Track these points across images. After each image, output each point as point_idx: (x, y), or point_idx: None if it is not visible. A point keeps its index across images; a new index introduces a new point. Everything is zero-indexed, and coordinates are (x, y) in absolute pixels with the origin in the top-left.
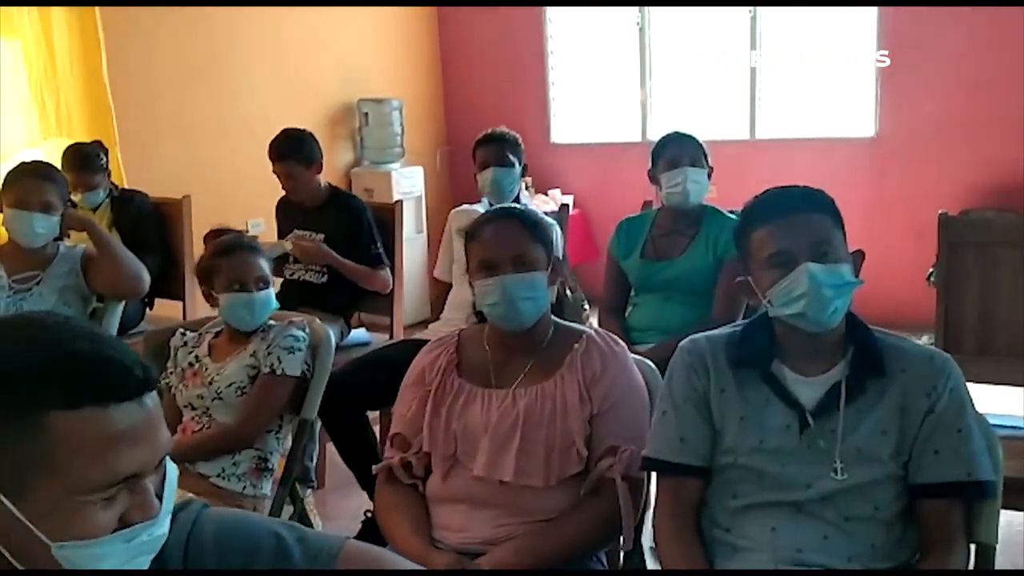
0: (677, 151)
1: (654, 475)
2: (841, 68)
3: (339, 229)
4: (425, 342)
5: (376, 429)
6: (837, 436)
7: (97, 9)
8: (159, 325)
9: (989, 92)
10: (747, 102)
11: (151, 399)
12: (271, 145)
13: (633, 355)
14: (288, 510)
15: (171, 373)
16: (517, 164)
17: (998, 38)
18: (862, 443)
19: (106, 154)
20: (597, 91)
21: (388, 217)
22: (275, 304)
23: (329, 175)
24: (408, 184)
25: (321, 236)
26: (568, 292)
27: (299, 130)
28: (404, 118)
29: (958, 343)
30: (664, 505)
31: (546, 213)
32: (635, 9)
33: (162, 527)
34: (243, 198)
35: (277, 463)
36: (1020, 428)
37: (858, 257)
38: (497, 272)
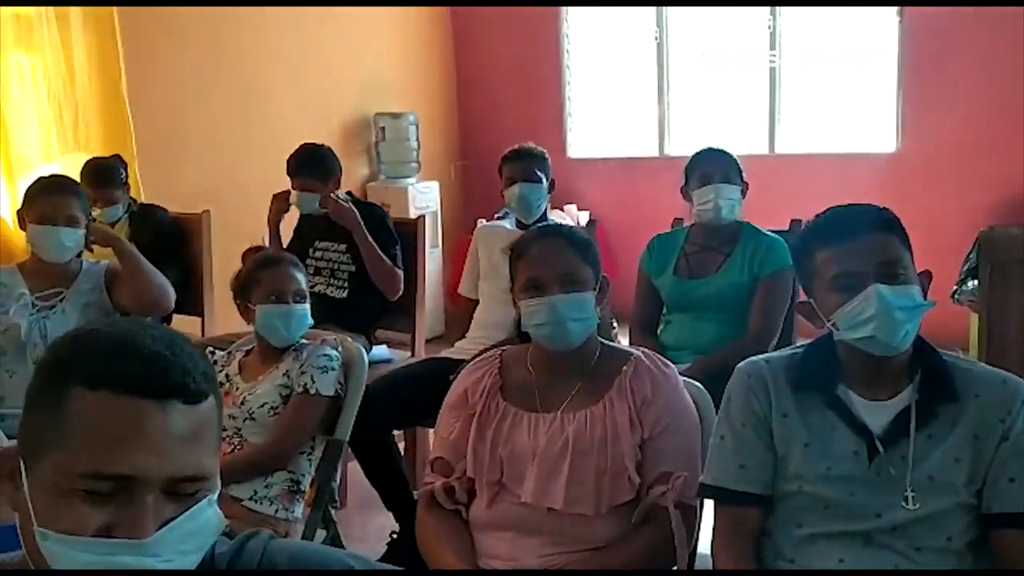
0: (709, 167)
1: (707, 501)
2: (862, 84)
3: None
4: (451, 361)
5: (400, 446)
6: (908, 463)
7: (116, 23)
8: None
9: (1011, 109)
10: (766, 117)
11: (182, 411)
12: (289, 160)
13: (682, 377)
14: (321, 534)
15: None
16: (545, 180)
17: (1021, 55)
18: (935, 471)
19: (126, 168)
20: (614, 105)
21: (410, 232)
22: (310, 321)
23: (345, 189)
24: (424, 199)
25: (343, 246)
26: (597, 308)
27: (317, 145)
28: (420, 132)
29: (1001, 361)
30: (723, 535)
31: None
32: (653, 23)
33: (153, 558)
34: (258, 213)
35: (308, 485)
36: None
37: (925, 278)
38: (545, 292)
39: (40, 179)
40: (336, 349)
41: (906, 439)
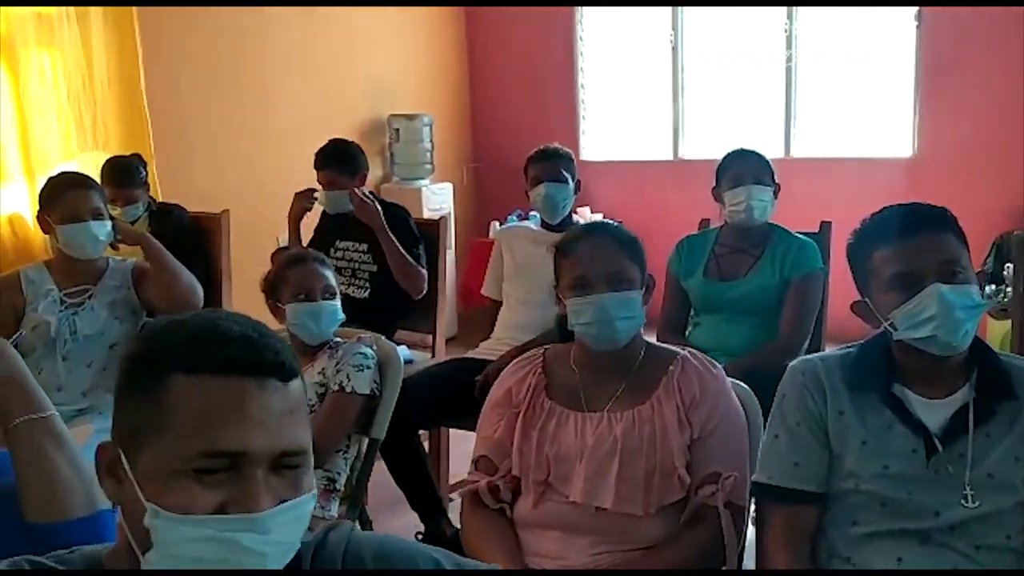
0: (741, 169)
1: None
2: (878, 87)
3: None
4: (476, 361)
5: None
6: (967, 462)
7: (136, 23)
8: None
9: None
10: (782, 120)
11: (278, 388)
12: (317, 154)
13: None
14: None
15: None
16: (570, 180)
17: None
18: (994, 469)
19: (145, 167)
20: (628, 108)
21: (432, 233)
22: (341, 316)
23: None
24: (437, 200)
25: (364, 246)
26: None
27: (344, 140)
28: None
29: None
30: (778, 533)
31: None
32: (668, 25)
33: (264, 536)
34: (274, 213)
35: (343, 484)
36: None
37: (980, 278)
38: (592, 290)
39: (52, 180)
40: (371, 347)
41: (964, 437)
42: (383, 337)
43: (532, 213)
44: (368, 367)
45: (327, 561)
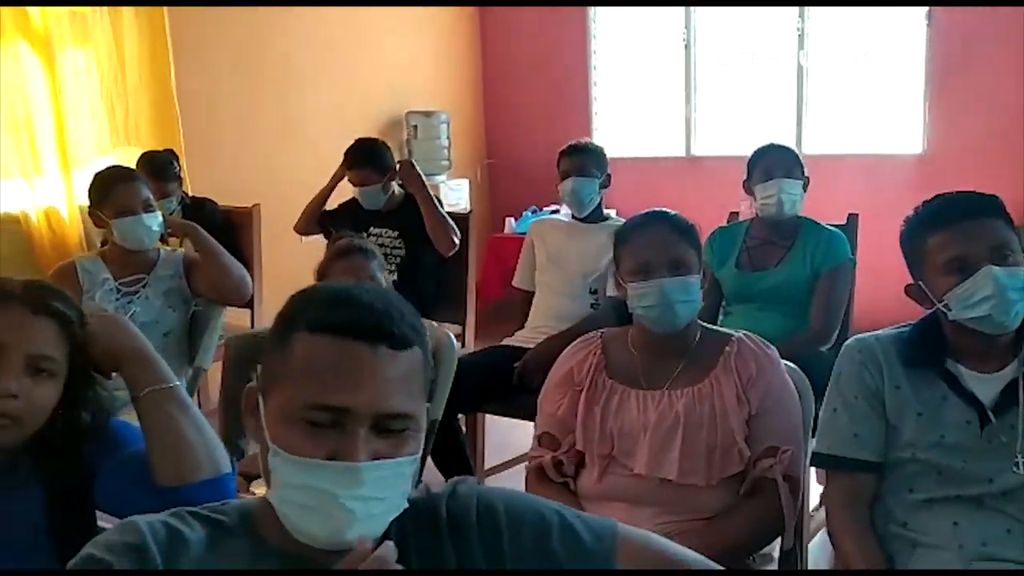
0: (771, 163)
1: (812, 474)
2: (889, 84)
3: (415, 226)
4: (512, 348)
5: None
6: (1018, 431)
7: (167, 20)
8: (229, 332)
9: None
10: (793, 117)
11: (390, 355)
12: (347, 153)
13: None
14: None
15: None
16: (598, 176)
17: None
18: None
19: (178, 162)
20: (640, 106)
21: (460, 225)
22: None
23: None
24: (455, 196)
25: (396, 233)
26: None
27: (372, 139)
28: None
29: None
30: (837, 501)
31: None
32: (681, 24)
33: (359, 488)
34: (299, 207)
35: None
36: None
37: None
38: (653, 275)
39: (100, 176)
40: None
41: (1015, 409)
42: (434, 323)
43: (552, 207)
44: None
45: (462, 510)
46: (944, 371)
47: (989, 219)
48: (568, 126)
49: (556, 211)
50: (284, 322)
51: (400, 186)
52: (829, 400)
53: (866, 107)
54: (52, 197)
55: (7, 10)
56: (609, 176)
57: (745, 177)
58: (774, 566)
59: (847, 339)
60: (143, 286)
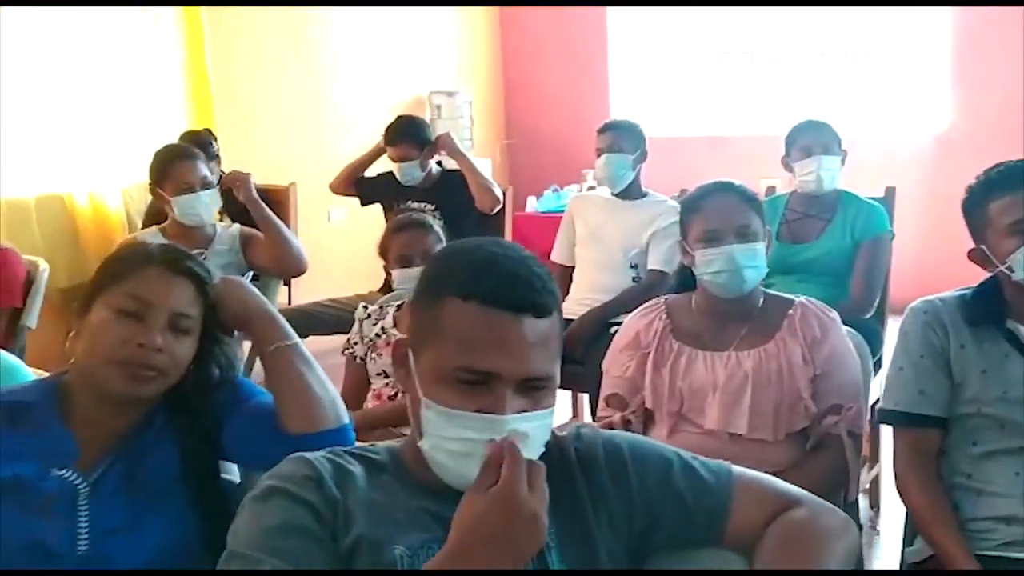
0: (810, 140)
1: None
2: (912, 66)
3: (452, 200)
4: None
5: None
6: None
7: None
8: None
9: None
10: (811, 98)
11: (533, 323)
12: (386, 130)
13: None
14: None
15: (355, 344)
16: (630, 152)
17: None
18: None
19: (216, 140)
20: (660, 85)
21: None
22: None
23: None
24: None
25: (432, 207)
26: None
27: (411, 116)
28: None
29: None
30: (905, 455)
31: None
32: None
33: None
34: (320, 185)
35: None
36: None
37: None
38: (722, 242)
39: (159, 154)
40: None
41: None
42: None
43: (573, 186)
44: None
45: (591, 450)
46: (1006, 330)
47: None
48: (587, 106)
49: (592, 188)
50: (432, 283)
51: (437, 163)
52: (895, 359)
53: (888, 87)
54: (96, 179)
55: None
56: (645, 152)
57: (784, 154)
58: None
59: (884, 309)
60: (203, 260)
